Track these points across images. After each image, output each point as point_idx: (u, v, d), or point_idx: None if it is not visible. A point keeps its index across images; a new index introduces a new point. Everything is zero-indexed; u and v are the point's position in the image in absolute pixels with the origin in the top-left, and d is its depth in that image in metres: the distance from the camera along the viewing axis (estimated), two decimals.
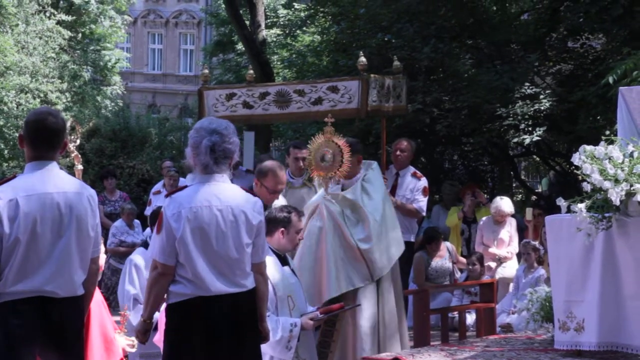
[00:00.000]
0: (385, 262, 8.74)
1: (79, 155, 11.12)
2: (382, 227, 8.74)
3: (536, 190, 20.06)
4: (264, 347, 6.70)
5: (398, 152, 11.86)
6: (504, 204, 12.96)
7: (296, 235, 7.58)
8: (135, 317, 8.62)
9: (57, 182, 5.71)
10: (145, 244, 8.86)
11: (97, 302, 6.95)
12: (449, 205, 14.49)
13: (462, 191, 14.46)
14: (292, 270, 7.62)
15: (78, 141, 11.24)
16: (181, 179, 14.11)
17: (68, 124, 11.20)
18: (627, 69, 11.28)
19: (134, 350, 7.33)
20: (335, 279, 8.54)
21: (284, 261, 7.52)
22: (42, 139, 5.73)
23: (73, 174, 6.57)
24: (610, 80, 11.48)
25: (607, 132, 12.26)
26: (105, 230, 13.97)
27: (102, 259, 7.43)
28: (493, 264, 12.71)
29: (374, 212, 8.72)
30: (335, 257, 8.57)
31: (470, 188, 14.40)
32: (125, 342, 7.21)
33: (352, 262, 8.60)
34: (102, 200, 15.38)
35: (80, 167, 10.91)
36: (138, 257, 8.92)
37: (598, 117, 13.76)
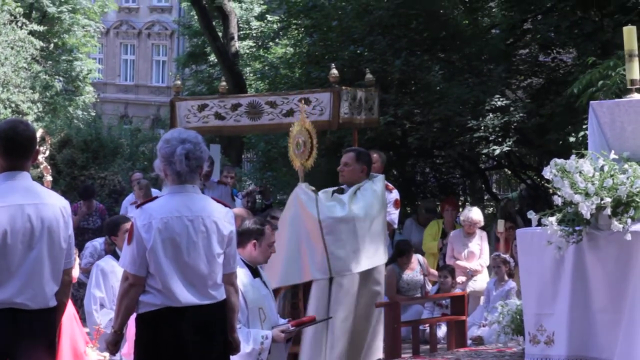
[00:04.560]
0: (351, 264, 8.57)
1: (48, 167, 11.11)
2: (359, 229, 8.62)
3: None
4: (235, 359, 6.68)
5: None
6: (473, 212, 13.01)
7: (268, 248, 7.57)
8: (102, 319, 8.65)
9: (29, 194, 5.66)
10: (113, 252, 8.89)
11: (69, 316, 6.93)
12: (422, 221, 14.55)
13: (441, 206, 14.50)
14: (264, 282, 7.62)
15: (47, 152, 11.22)
16: (155, 191, 14.02)
17: (38, 134, 11.21)
18: (593, 78, 11.35)
19: None
20: (285, 270, 8.51)
21: (255, 273, 7.51)
22: (15, 148, 5.68)
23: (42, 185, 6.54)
24: (575, 90, 11.56)
25: (572, 139, 12.41)
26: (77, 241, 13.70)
27: (77, 271, 7.43)
28: (463, 279, 12.74)
29: (358, 210, 8.64)
30: (291, 247, 8.53)
31: (448, 202, 14.48)
32: (96, 357, 7.18)
33: (312, 253, 8.53)
34: (75, 210, 15.10)
35: (49, 178, 10.89)
36: (105, 263, 8.97)
37: (569, 127, 13.81)
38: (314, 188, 8.83)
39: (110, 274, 8.72)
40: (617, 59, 10.93)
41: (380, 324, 9.04)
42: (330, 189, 9.05)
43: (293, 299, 8.81)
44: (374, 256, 8.79)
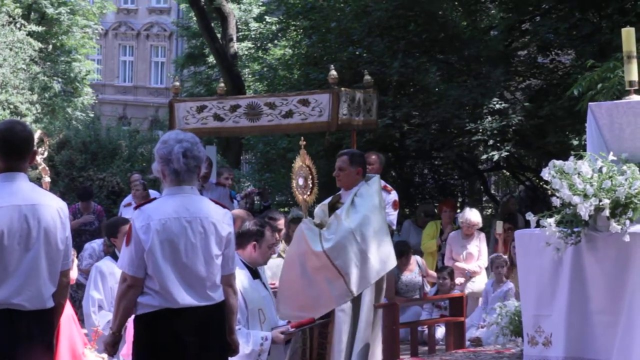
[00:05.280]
0: (368, 277, 8.49)
1: (47, 168, 11.09)
2: (362, 240, 8.57)
3: None
4: None
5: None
6: (472, 214, 13.01)
7: (268, 250, 7.57)
8: (100, 321, 8.64)
9: (26, 195, 5.64)
10: (113, 254, 8.87)
11: (67, 317, 6.92)
12: (421, 224, 14.55)
13: (439, 207, 14.52)
14: (264, 284, 7.61)
15: (46, 153, 11.19)
16: (153, 192, 14.01)
17: (36, 135, 11.22)
18: (592, 81, 11.36)
19: None
20: (313, 307, 8.47)
21: (255, 274, 7.50)
22: (12, 149, 5.67)
23: (40, 187, 6.54)
24: (576, 92, 11.57)
25: (576, 143, 12.41)
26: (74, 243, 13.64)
27: (75, 272, 7.42)
28: (462, 280, 12.73)
29: (354, 223, 8.60)
30: (307, 283, 8.49)
31: (446, 204, 14.47)
32: (94, 358, 7.17)
33: (330, 284, 8.49)
34: (74, 211, 15.09)
35: (47, 179, 10.87)
36: (104, 265, 8.95)
37: (567, 132, 13.83)
38: (318, 222, 8.79)
39: (109, 276, 8.70)
40: (616, 61, 10.94)
41: (379, 326, 9.02)
42: (327, 201, 9.02)
43: None
44: (386, 259, 8.73)
